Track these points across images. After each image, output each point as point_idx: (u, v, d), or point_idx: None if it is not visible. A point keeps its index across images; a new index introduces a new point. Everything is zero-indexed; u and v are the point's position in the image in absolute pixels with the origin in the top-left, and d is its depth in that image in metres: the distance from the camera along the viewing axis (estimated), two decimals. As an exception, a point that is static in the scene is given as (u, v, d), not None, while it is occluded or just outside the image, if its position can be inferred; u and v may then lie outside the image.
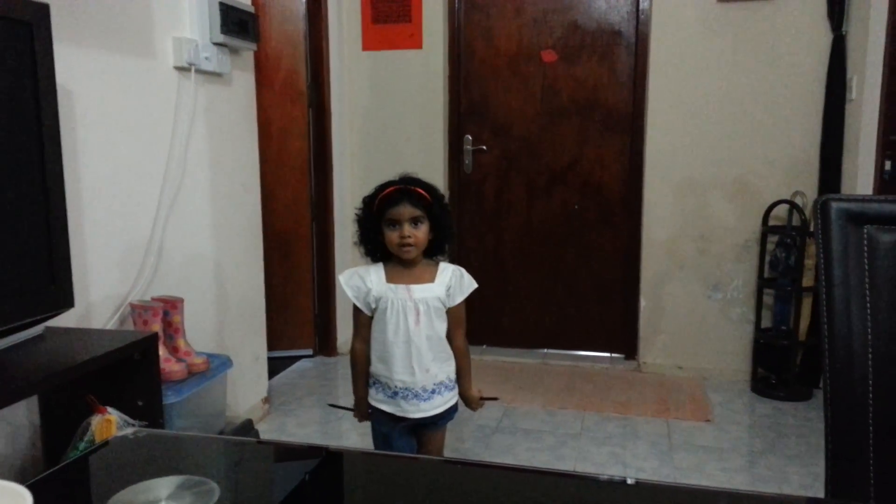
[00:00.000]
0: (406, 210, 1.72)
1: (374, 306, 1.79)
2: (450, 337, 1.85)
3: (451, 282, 1.81)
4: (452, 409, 1.90)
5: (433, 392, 1.81)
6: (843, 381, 0.91)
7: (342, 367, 3.57)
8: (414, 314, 1.76)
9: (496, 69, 3.58)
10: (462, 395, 1.91)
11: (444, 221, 1.79)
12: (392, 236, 1.74)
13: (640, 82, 3.40)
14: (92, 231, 1.93)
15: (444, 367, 1.84)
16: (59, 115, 1.59)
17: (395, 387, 1.80)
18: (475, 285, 1.84)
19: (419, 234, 1.74)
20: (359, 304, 1.80)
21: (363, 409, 1.89)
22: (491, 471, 1.04)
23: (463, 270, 1.84)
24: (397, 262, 1.80)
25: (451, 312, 1.83)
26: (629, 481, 0.84)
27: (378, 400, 1.84)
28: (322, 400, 3.14)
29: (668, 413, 2.98)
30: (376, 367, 1.83)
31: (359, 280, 1.79)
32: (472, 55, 3.61)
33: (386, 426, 1.85)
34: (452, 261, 1.90)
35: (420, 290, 1.78)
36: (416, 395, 1.80)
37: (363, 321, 1.83)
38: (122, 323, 2.04)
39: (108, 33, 1.99)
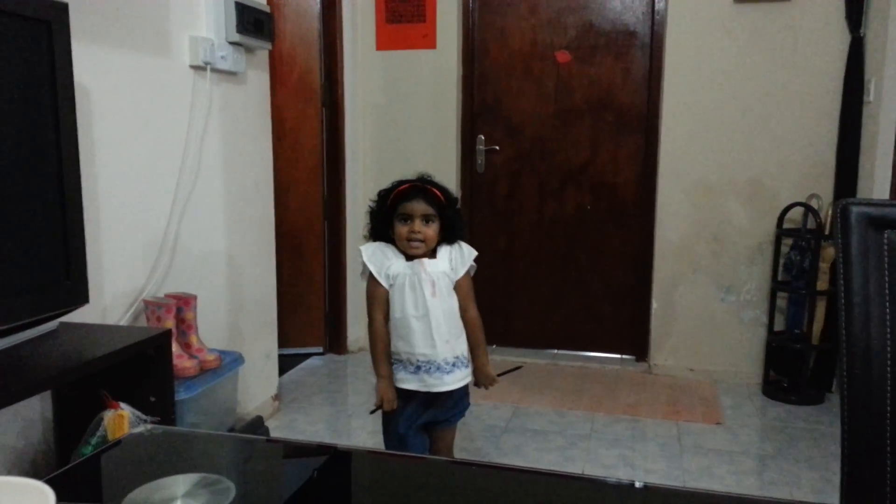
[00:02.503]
0: (419, 206, 1.76)
1: (391, 282, 1.82)
2: (462, 310, 1.87)
3: (452, 254, 1.85)
4: (464, 406, 1.92)
5: (454, 365, 1.83)
6: (861, 387, 0.90)
7: (352, 365, 3.58)
8: (430, 286, 1.79)
9: (510, 69, 3.58)
10: (478, 370, 1.91)
11: (455, 224, 1.83)
12: (402, 230, 1.77)
13: (654, 83, 3.38)
14: (107, 228, 1.94)
15: (460, 341, 1.86)
16: (76, 112, 1.60)
17: (418, 361, 1.81)
18: (475, 253, 1.88)
19: (429, 231, 1.77)
20: (380, 278, 1.82)
21: (390, 393, 1.85)
22: (499, 472, 1.04)
23: (461, 242, 1.88)
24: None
25: (459, 286, 1.86)
26: (637, 485, 0.84)
27: (400, 379, 1.85)
28: (332, 398, 3.15)
29: (678, 415, 2.97)
30: (396, 346, 1.85)
31: (381, 254, 1.83)
32: (486, 55, 3.60)
33: (402, 425, 1.86)
34: None
35: (431, 265, 1.82)
36: (439, 368, 1.81)
37: (382, 294, 1.84)
38: (136, 319, 2.06)
39: (126, 31, 2.00)
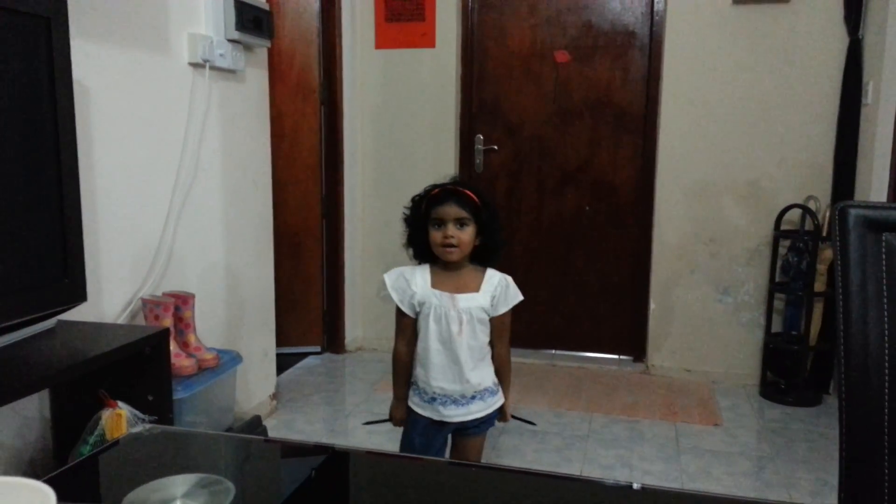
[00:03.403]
0: (451, 210, 1.70)
1: (417, 310, 1.77)
2: (492, 345, 1.82)
3: (497, 291, 1.77)
4: (492, 416, 1.85)
5: (473, 398, 1.79)
6: (859, 388, 0.90)
7: (350, 365, 3.58)
8: (457, 323, 1.73)
9: (509, 69, 3.57)
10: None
11: (492, 227, 1.76)
12: (436, 236, 1.71)
13: (653, 84, 3.38)
14: (105, 225, 1.94)
15: (485, 374, 1.80)
16: (75, 109, 1.59)
17: (434, 392, 1.77)
18: (521, 297, 1.80)
19: (463, 235, 1.71)
20: (403, 308, 1.77)
21: (400, 413, 1.86)
22: (496, 473, 1.04)
23: (510, 280, 1.81)
24: (443, 266, 1.77)
25: (494, 321, 1.80)
26: (635, 486, 0.84)
27: (415, 404, 1.82)
28: (330, 397, 3.15)
29: (675, 416, 2.97)
30: (416, 372, 1.81)
31: (404, 283, 1.76)
32: (485, 54, 3.60)
33: (419, 432, 1.81)
34: None
35: (464, 300, 1.74)
36: (455, 402, 1.77)
37: (407, 323, 1.80)
38: (134, 318, 2.05)
39: (124, 28, 2.00)
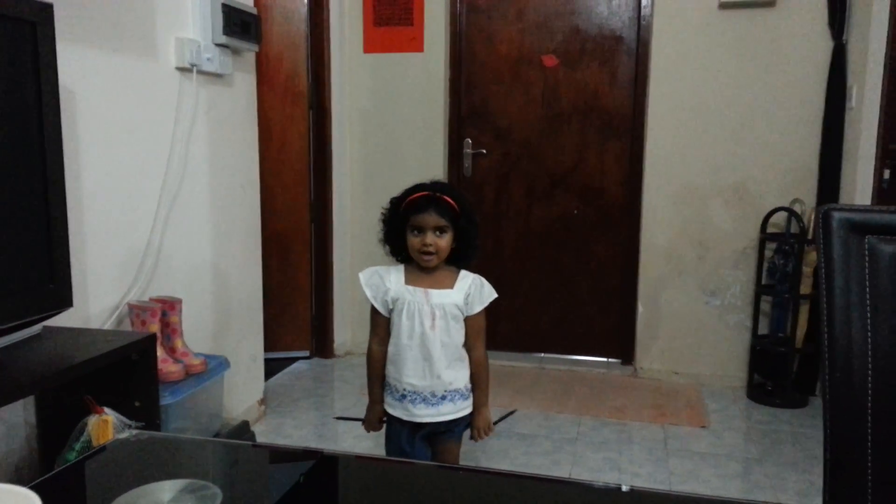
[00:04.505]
0: (431, 218, 1.70)
1: (390, 307, 1.78)
2: (468, 347, 1.81)
3: (471, 290, 1.78)
4: (466, 418, 1.85)
5: (443, 398, 1.78)
6: (843, 390, 0.91)
7: (339, 370, 3.57)
8: (430, 318, 1.74)
9: (497, 73, 3.59)
10: (475, 411, 1.85)
11: (470, 234, 1.76)
12: (414, 242, 1.72)
13: (640, 88, 3.40)
14: (91, 231, 1.93)
15: (459, 375, 1.80)
16: (61, 114, 1.58)
17: (404, 390, 1.78)
18: (495, 295, 1.80)
19: (442, 243, 1.72)
20: (376, 305, 1.78)
21: (375, 416, 1.86)
22: (486, 476, 1.04)
23: (483, 280, 1.81)
24: (418, 265, 1.77)
25: (469, 322, 1.79)
26: (623, 488, 0.85)
27: (387, 403, 1.83)
28: (318, 402, 3.14)
29: (664, 418, 2.98)
30: (388, 370, 1.81)
31: (378, 279, 1.78)
32: (474, 59, 3.61)
33: (404, 439, 1.81)
34: None
35: (438, 296, 1.75)
36: (425, 400, 1.77)
37: (380, 322, 1.81)
38: (120, 323, 2.04)
39: (111, 33, 1.99)
